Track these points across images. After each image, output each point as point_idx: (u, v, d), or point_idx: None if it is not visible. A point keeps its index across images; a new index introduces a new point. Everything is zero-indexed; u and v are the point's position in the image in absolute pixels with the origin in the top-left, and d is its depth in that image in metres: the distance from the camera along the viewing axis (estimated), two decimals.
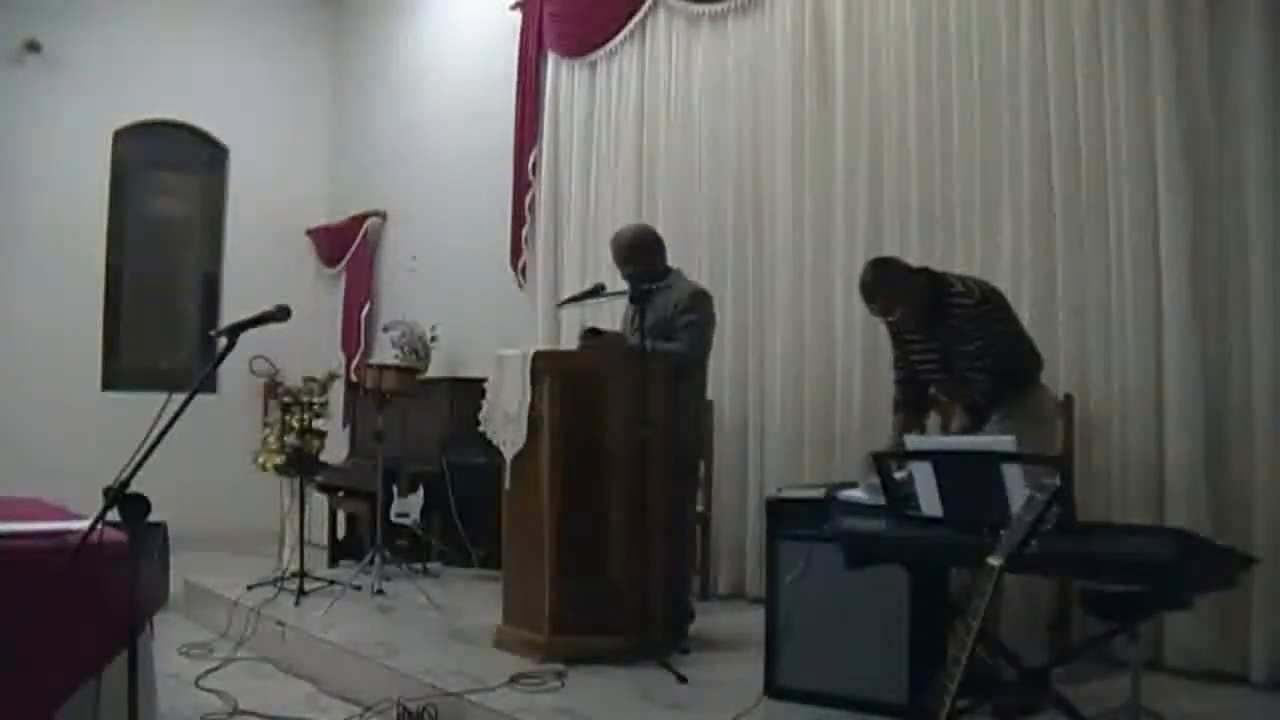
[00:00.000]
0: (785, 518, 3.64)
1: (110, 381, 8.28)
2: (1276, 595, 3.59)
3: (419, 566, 5.95)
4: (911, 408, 3.90)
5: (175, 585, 5.82)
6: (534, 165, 6.81)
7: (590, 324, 5.00)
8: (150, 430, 2.38)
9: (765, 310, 5.37)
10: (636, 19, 6.14)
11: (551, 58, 6.77)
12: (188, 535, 5.87)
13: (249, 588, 5.36)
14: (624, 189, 6.19)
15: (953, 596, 3.23)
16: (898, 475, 3.15)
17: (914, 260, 4.70)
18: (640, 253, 4.41)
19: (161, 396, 2.47)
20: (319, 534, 6.41)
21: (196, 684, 4.25)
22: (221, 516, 7.12)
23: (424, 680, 3.76)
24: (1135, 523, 3.66)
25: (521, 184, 6.88)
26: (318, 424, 5.75)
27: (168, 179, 8.88)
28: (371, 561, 5.40)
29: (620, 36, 6.26)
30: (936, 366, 3.70)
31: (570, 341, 6.16)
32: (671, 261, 4.54)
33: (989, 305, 3.58)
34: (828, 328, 5.05)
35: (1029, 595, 3.80)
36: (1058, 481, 2.59)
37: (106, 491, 2.36)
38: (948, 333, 3.58)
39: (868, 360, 4.84)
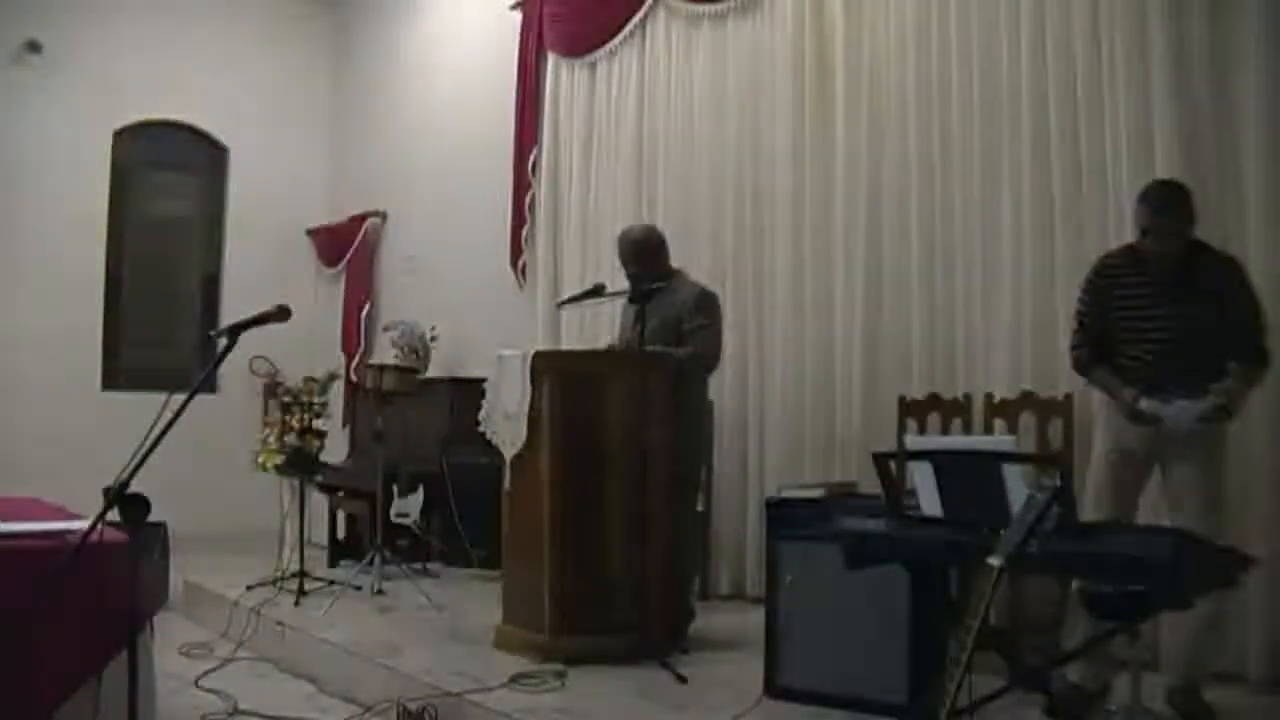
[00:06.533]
0: (785, 518, 3.64)
1: (110, 381, 8.27)
2: (1275, 595, 3.60)
3: (419, 566, 5.95)
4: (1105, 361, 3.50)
5: (175, 585, 5.82)
6: (534, 165, 6.82)
7: (595, 324, 4.98)
8: (150, 430, 2.38)
9: (765, 310, 5.37)
10: (636, 19, 6.15)
11: (551, 58, 6.77)
12: (188, 535, 5.86)
13: (249, 588, 5.36)
14: (624, 189, 6.19)
15: (953, 596, 3.23)
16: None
17: (914, 260, 4.75)
18: (647, 253, 4.42)
19: (161, 396, 2.47)
20: (319, 534, 6.40)
21: (196, 684, 4.25)
22: (221, 516, 7.11)
23: (424, 680, 3.76)
24: (1135, 523, 3.66)
25: (521, 184, 6.88)
26: (318, 424, 5.75)
27: (168, 179, 8.88)
28: (371, 561, 5.40)
29: (620, 36, 6.26)
30: (1168, 325, 3.31)
31: (570, 341, 6.17)
32: (673, 262, 4.54)
33: (1245, 272, 3.36)
34: (828, 328, 5.05)
35: (1029, 595, 3.81)
36: (1058, 481, 2.59)
37: (106, 491, 2.36)
38: (1195, 288, 3.29)
39: (868, 360, 4.85)
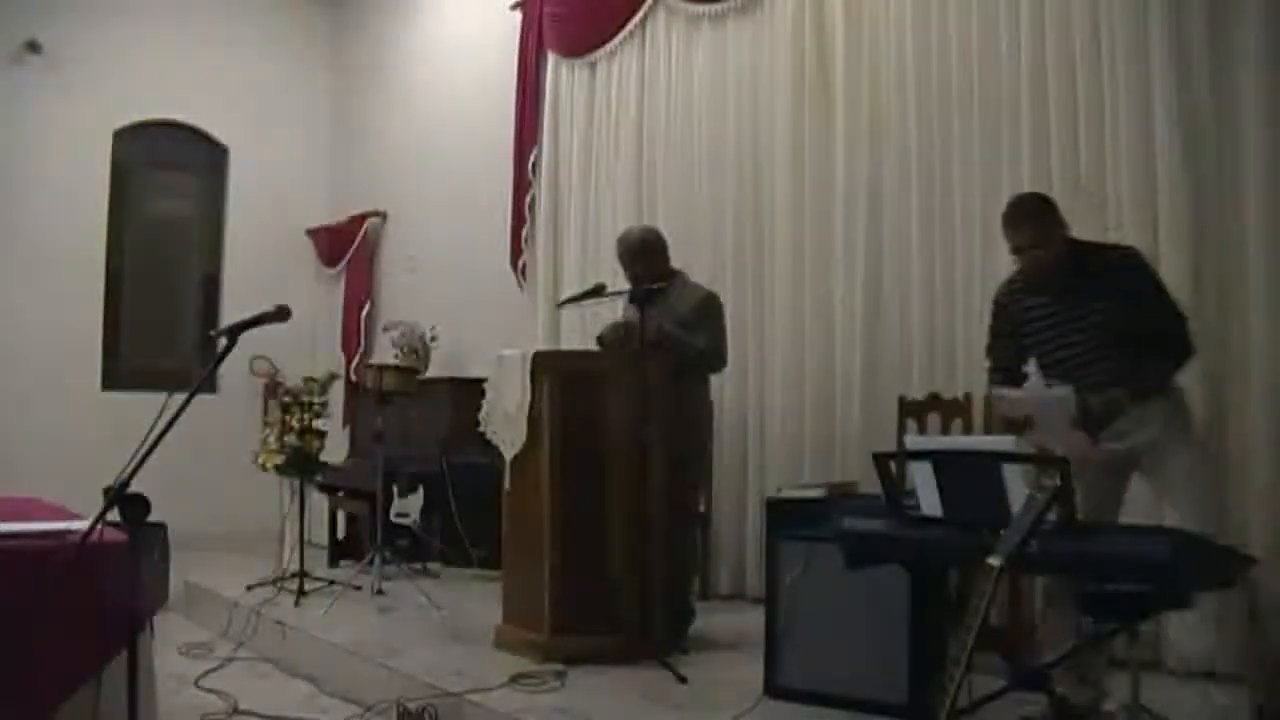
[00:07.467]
0: (785, 518, 3.65)
1: (110, 381, 8.27)
2: (1276, 595, 3.59)
3: (419, 566, 5.95)
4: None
5: (175, 585, 5.82)
6: (534, 165, 6.82)
7: (595, 324, 4.99)
8: (150, 430, 2.38)
9: (765, 310, 5.37)
10: (636, 19, 6.15)
11: (551, 58, 6.77)
12: (188, 535, 5.86)
13: (249, 588, 5.36)
14: (624, 189, 6.19)
15: (953, 596, 3.23)
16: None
17: (914, 259, 4.74)
18: (648, 254, 4.42)
19: (161, 396, 2.47)
20: (319, 534, 6.41)
21: (196, 684, 4.26)
22: (221, 516, 7.12)
23: (424, 680, 3.76)
24: (1135, 523, 3.66)
25: (521, 184, 6.88)
26: (318, 424, 5.74)
27: (168, 179, 8.88)
28: (371, 561, 5.40)
29: (620, 36, 6.26)
30: (1078, 338, 3.23)
31: (570, 341, 6.17)
32: (673, 262, 4.55)
33: (1145, 261, 3.29)
34: (827, 328, 5.05)
35: (1029, 595, 3.80)
36: (1058, 481, 2.59)
37: (106, 491, 2.36)
38: (1096, 291, 3.20)
39: (868, 360, 4.85)
